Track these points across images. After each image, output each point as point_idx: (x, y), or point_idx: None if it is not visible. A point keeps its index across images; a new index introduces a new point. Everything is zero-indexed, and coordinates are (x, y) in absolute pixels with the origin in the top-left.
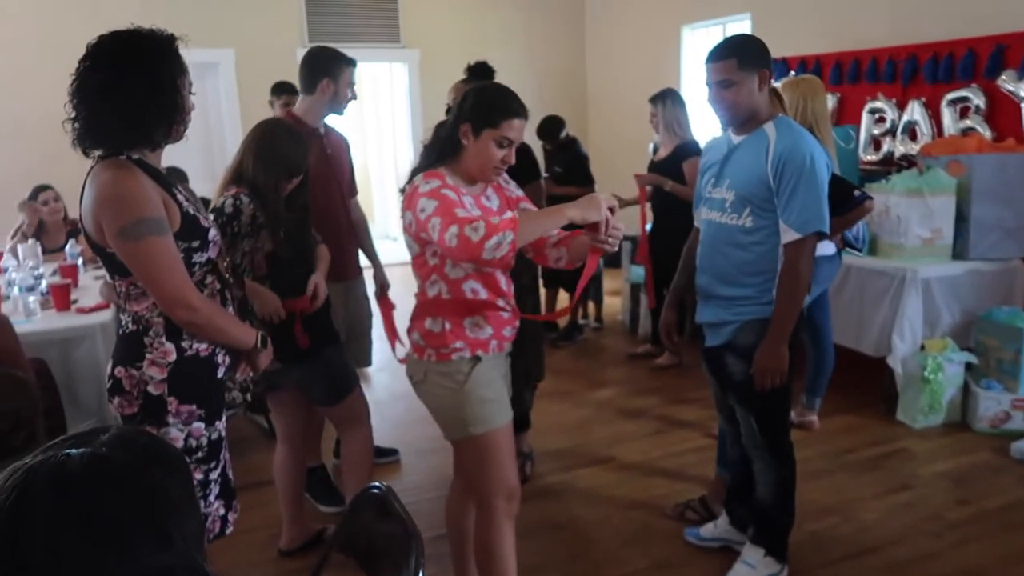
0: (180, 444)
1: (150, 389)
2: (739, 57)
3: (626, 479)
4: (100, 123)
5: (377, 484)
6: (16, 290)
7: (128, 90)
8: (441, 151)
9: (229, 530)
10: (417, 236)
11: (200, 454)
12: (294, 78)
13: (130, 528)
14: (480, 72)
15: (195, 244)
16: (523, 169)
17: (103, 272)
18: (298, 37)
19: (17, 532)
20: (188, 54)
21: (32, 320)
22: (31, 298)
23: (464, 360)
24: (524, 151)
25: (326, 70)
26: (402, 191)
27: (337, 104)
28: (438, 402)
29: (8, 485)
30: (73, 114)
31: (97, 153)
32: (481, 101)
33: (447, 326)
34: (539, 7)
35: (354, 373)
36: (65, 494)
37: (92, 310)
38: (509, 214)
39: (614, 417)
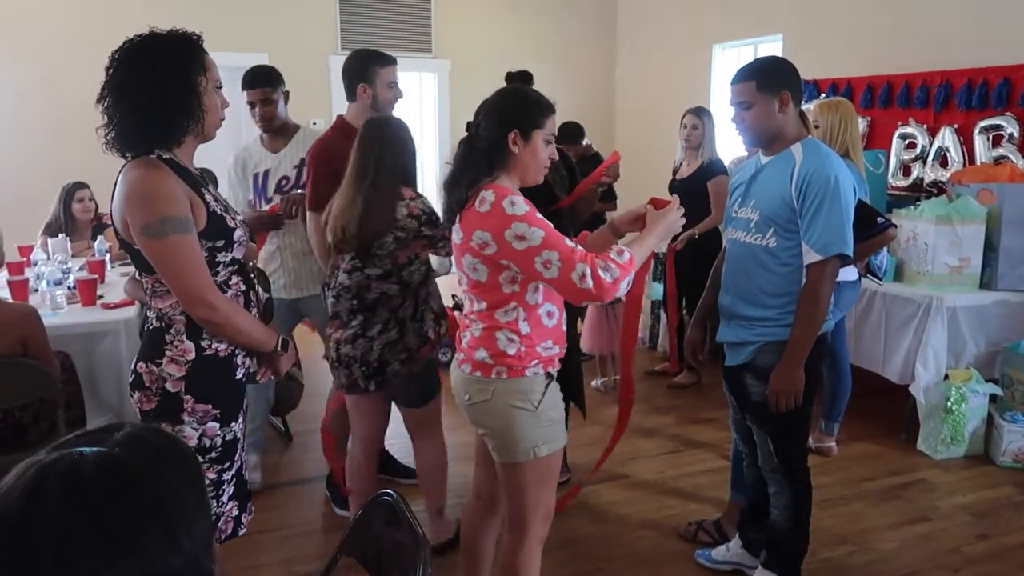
0: (194, 443)
1: (168, 386)
2: (757, 79)
3: (639, 498)
4: (122, 125)
5: (388, 491)
6: (44, 283)
7: (141, 91)
8: (490, 163)
9: (242, 531)
10: (493, 260)
11: (214, 454)
12: (325, 84)
13: (140, 529)
14: (521, 81)
15: (220, 244)
16: (570, 179)
17: (130, 269)
18: (331, 44)
19: (28, 531)
20: (220, 57)
21: (58, 314)
22: (58, 292)
23: (539, 378)
24: (566, 161)
25: (360, 75)
26: (460, 205)
27: (379, 106)
28: (507, 422)
29: (20, 484)
30: (104, 118)
31: (130, 153)
32: (522, 105)
33: (523, 349)
34: (572, 20)
35: (438, 378)
36: (77, 494)
37: (117, 306)
38: (627, 254)
39: (629, 434)
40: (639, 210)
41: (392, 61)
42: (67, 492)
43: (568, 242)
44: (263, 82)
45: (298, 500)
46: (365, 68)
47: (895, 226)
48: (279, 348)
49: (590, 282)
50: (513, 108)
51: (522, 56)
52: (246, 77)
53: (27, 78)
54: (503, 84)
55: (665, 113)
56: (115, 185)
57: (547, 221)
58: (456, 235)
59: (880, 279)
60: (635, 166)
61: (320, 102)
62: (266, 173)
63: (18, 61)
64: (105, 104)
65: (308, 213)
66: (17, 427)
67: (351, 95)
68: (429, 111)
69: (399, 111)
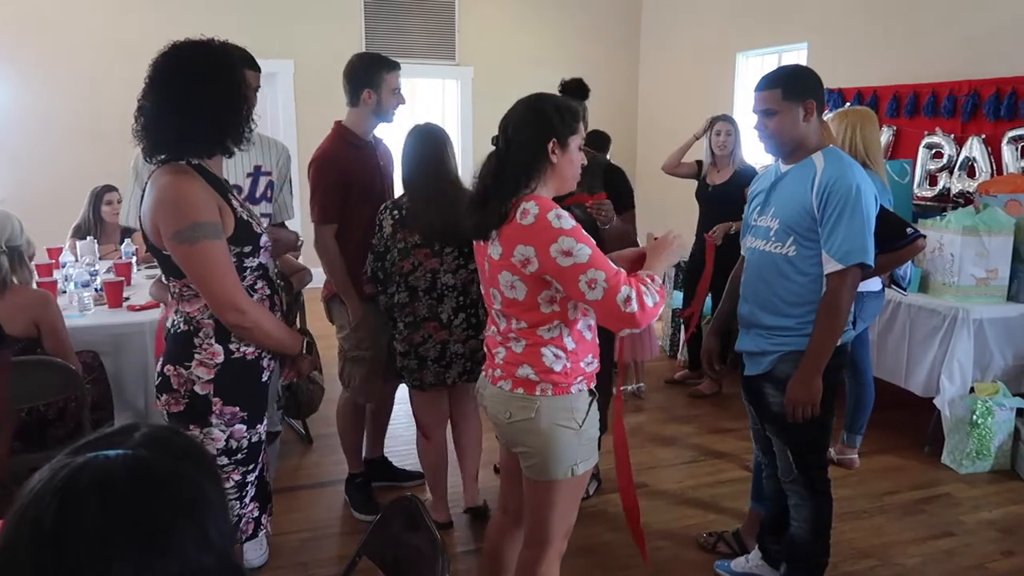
0: (222, 445)
1: (196, 389)
2: (783, 87)
3: (657, 507)
4: (173, 128)
5: (408, 496)
6: (72, 285)
7: (209, 99)
8: (528, 175)
9: (262, 532)
10: (534, 277)
11: (240, 455)
12: None
13: (174, 528)
14: (575, 90)
15: (247, 249)
16: (620, 195)
17: (155, 271)
18: (357, 51)
19: (63, 534)
20: None
21: (85, 315)
22: (86, 293)
23: (583, 395)
24: (622, 179)
25: (365, 80)
26: (501, 219)
27: (383, 112)
28: (550, 441)
29: (51, 488)
30: (142, 118)
31: (160, 157)
32: (557, 113)
33: (568, 365)
34: (595, 28)
35: None
36: (109, 497)
37: (143, 308)
38: (657, 279)
39: (648, 443)
40: (641, 250)
41: (397, 67)
42: (100, 495)
43: (611, 263)
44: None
45: (317, 503)
46: (371, 73)
47: (924, 236)
48: (303, 351)
49: (635, 306)
50: (549, 117)
51: (544, 64)
52: (248, 56)
53: (60, 83)
54: (525, 91)
55: (688, 121)
56: (143, 190)
57: (592, 238)
58: (494, 250)
59: (904, 290)
60: (658, 175)
61: (345, 110)
62: None
63: (51, 66)
64: (149, 105)
65: (318, 227)
66: (42, 423)
67: (354, 100)
68: (452, 118)
69: (400, 117)
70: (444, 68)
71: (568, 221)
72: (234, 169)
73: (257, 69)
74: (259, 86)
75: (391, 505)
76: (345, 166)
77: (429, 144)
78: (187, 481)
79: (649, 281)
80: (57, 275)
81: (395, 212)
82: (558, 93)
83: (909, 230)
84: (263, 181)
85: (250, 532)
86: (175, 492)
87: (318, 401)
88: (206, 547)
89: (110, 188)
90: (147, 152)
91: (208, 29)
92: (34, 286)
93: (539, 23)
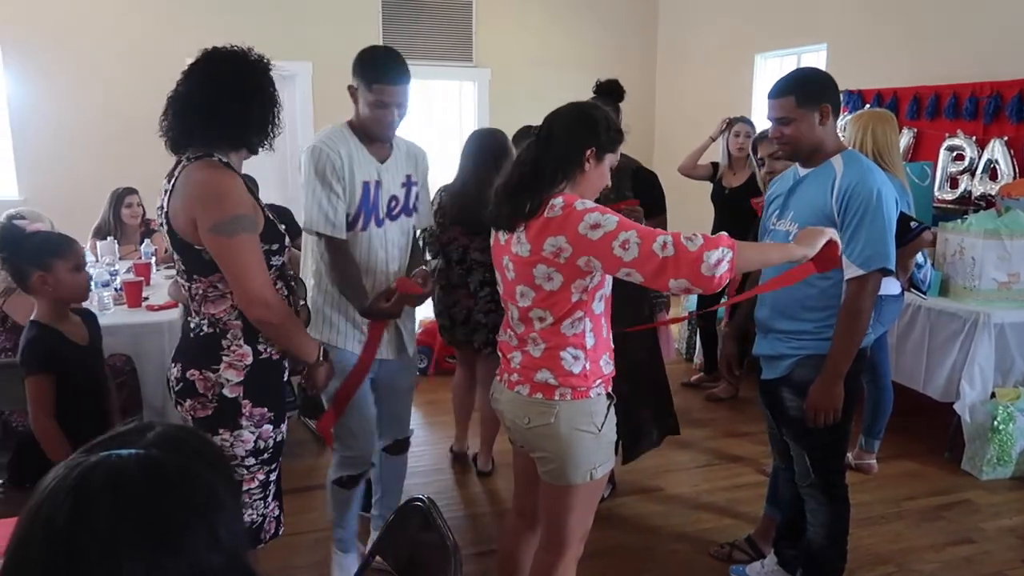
0: (250, 446)
1: (225, 392)
2: (797, 94)
3: (672, 511)
4: (209, 124)
5: (420, 496)
6: (92, 285)
7: (235, 97)
8: (563, 174)
9: (282, 531)
10: (570, 263)
11: (266, 455)
12: None
13: (185, 528)
14: (610, 91)
15: (274, 247)
16: (650, 200)
17: (174, 272)
18: None
19: (76, 532)
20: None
21: (105, 314)
22: (105, 293)
23: (601, 399)
24: (652, 183)
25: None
26: (532, 213)
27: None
28: (569, 446)
29: (65, 486)
30: (171, 111)
31: (186, 155)
32: (604, 125)
33: (587, 366)
34: (612, 30)
35: None
36: (122, 496)
37: (162, 308)
38: (722, 234)
39: (663, 446)
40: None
41: None
42: (112, 494)
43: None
44: (409, 78)
45: None
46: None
47: (929, 228)
48: (320, 359)
49: (672, 249)
50: (596, 124)
51: (562, 65)
52: (389, 70)
53: (78, 85)
54: (543, 93)
55: (706, 123)
56: (172, 186)
57: (619, 213)
58: (520, 248)
59: (924, 293)
60: (675, 177)
61: None
62: (377, 185)
63: (70, 69)
64: (186, 100)
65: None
66: None
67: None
68: (469, 120)
69: (415, 119)
70: (461, 70)
71: (591, 204)
72: (394, 177)
73: (387, 82)
74: (396, 101)
75: (405, 506)
76: None
77: (487, 151)
78: (200, 481)
79: (696, 233)
80: None
81: (441, 193)
82: (592, 93)
83: (913, 224)
84: (413, 192)
85: (272, 531)
86: (187, 492)
87: None
88: (216, 547)
89: (131, 191)
90: (171, 146)
91: (226, 32)
92: None
93: (556, 24)
